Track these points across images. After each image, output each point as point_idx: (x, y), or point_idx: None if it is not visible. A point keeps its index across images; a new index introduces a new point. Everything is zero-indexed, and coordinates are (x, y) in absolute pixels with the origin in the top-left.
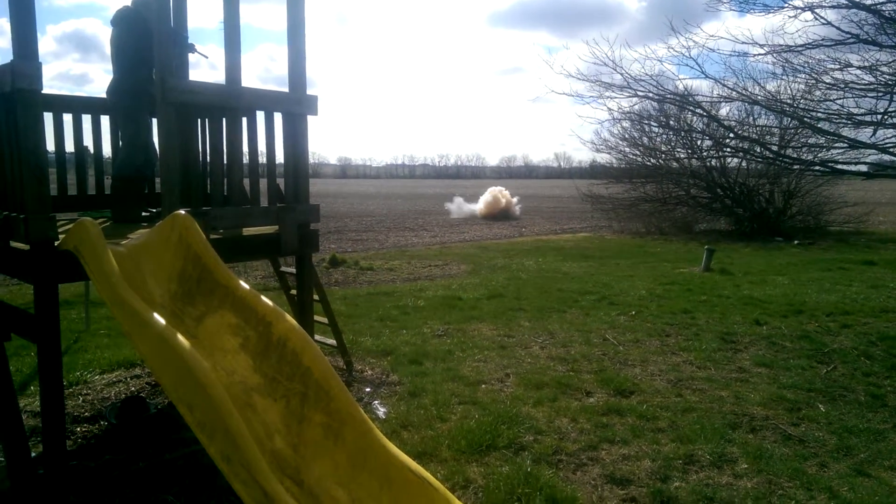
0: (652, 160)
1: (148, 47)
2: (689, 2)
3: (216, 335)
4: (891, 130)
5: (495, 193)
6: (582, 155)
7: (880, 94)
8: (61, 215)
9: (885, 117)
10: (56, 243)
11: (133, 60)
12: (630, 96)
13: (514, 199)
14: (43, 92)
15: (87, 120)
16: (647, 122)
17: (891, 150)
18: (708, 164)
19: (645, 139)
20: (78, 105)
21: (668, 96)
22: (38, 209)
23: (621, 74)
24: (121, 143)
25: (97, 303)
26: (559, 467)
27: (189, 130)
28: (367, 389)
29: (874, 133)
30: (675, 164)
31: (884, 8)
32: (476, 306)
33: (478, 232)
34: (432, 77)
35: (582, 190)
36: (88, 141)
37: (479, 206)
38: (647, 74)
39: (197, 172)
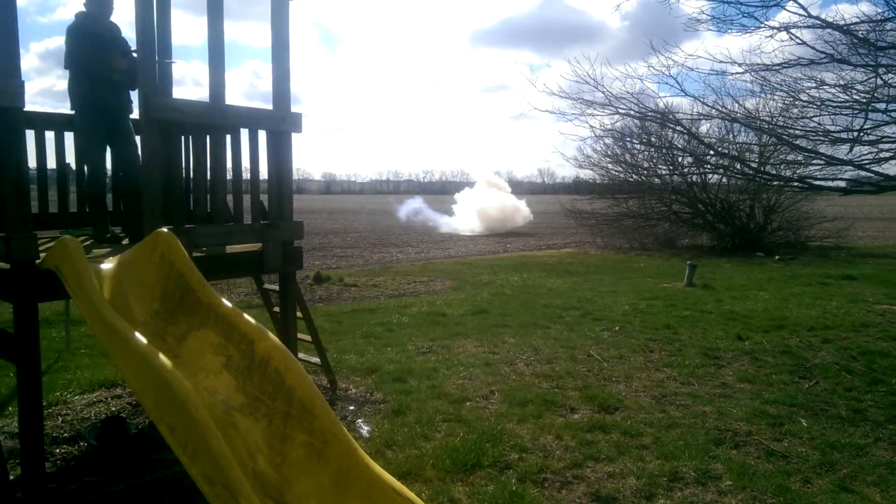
0: (634, 176)
1: (93, 58)
2: (670, 22)
3: (199, 354)
4: (866, 147)
5: (508, 204)
6: (565, 171)
7: (855, 112)
8: (42, 233)
9: (861, 134)
10: (37, 262)
11: (77, 74)
12: (612, 114)
13: (522, 204)
14: (25, 109)
15: (69, 137)
16: (628, 139)
17: (867, 166)
18: (689, 180)
19: (627, 156)
20: (60, 122)
21: (649, 114)
22: (19, 228)
23: (602, 92)
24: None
25: (78, 321)
26: (544, 486)
27: (173, 148)
28: (352, 408)
29: (850, 150)
30: (657, 180)
31: (856, 28)
32: (461, 322)
33: (462, 248)
34: (417, 94)
35: (566, 206)
36: (71, 158)
37: (481, 211)
38: (627, 92)
39: (180, 190)
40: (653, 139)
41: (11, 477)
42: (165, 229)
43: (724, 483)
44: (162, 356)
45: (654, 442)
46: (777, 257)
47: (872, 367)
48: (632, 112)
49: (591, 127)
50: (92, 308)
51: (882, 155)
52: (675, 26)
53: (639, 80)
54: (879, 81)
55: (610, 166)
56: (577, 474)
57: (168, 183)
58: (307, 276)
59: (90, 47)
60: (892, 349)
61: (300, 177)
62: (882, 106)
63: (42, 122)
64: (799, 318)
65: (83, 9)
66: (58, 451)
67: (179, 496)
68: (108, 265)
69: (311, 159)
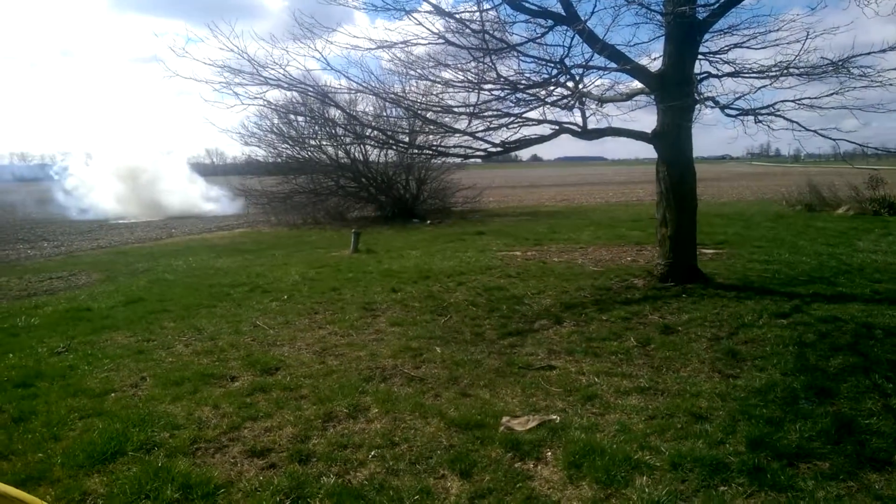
0: (303, 153)
1: None
2: (329, 10)
3: None
4: (477, 121)
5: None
6: (237, 150)
7: (469, 90)
8: None
9: (476, 109)
10: None
11: None
12: (260, 83)
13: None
14: None
15: None
16: (292, 115)
17: (478, 136)
18: (353, 156)
19: (293, 132)
20: None
21: (298, 86)
22: None
23: (249, 61)
24: None
25: None
26: (196, 455)
27: None
28: None
29: (469, 123)
30: (324, 156)
31: (460, 15)
32: (109, 315)
33: (116, 237)
34: (46, 64)
35: (236, 186)
36: None
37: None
38: (275, 63)
39: None
40: (315, 116)
41: None
42: None
43: (371, 412)
44: None
45: (311, 391)
46: (428, 222)
47: (491, 298)
48: (282, 84)
49: (237, 94)
50: None
51: (492, 126)
52: (335, 13)
53: (284, 51)
54: (483, 66)
55: (276, 142)
56: (234, 436)
57: None
58: None
59: None
60: (506, 284)
61: None
62: (488, 86)
63: None
64: (441, 268)
65: None
66: None
67: None
68: None
69: None
